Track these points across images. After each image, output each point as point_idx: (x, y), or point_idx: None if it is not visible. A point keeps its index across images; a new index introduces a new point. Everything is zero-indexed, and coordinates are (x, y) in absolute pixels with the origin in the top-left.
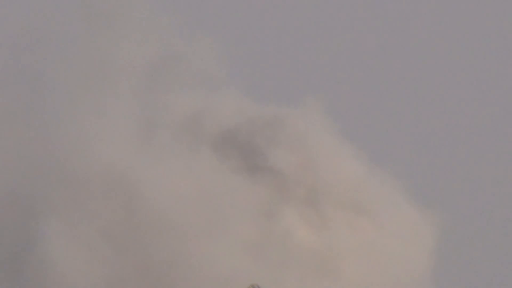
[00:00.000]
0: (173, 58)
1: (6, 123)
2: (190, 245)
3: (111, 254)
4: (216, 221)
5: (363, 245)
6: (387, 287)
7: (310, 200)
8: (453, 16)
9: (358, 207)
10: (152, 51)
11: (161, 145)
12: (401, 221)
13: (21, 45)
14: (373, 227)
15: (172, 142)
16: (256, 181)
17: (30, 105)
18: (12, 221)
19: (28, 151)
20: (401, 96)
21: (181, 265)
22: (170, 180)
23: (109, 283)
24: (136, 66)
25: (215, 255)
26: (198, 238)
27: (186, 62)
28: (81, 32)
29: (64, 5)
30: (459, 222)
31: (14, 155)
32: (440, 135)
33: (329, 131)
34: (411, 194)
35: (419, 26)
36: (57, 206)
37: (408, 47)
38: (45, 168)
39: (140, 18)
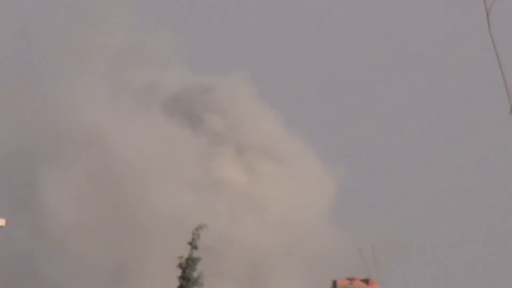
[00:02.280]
0: (135, 44)
1: (14, 96)
2: (149, 186)
3: (92, 194)
4: (166, 166)
5: (280, 188)
6: (298, 222)
7: (238, 151)
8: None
9: (277, 158)
10: (120, 40)
11: (125, 107)
12: (309, 172)
13: (25, 39)
14: (287, 175)
15: (134, 105)
16: (197, 135)
17: (31, 81)
18: (17, 169)
19: (29, 114)
20: (314, 67)
21: (144, 204)
22: (132, 134)
23: (92, 218)
24: (109, 51)
25: (168, 194)
26: (154, 179)
27: (144, 47)
28: (69, 28)
29: (56, 7)
30: (355, 176)
31: (20, 118)
32: (344, 98)
33: (253, 97)
34: (319, 151)
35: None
36: (50, 155)
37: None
38: (41, 126)
39: (111, 16)
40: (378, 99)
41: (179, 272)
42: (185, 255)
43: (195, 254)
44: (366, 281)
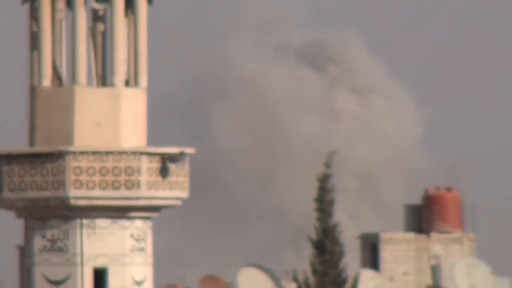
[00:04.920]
0: (271, 12)
1: (196, 54)
2: (288, 116)
3: (248, 124)
4: (300, 101)
5: (385, 119)
6: (398, 145)
7: (352, 90)
8: None
9: (381, 96)
10: (261, 9)
11: (268, 58)
12: (406, 108)
13: (201, 15)
14: (390, 109)
15: (273, 56)
16: (321, 77)
17: (206, 43)
18: (196, 107)
19: (204, 66)
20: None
21: (285, 130)
22: (274, 78)
23: (249, 142)
24: (254, 18)
25: (301, 122)
26: (292, 111)
27: (278, 13)
28: (228, 3)
29: None
30: (441, 114)
31: (198, 69)
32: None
33: (362, 49)
34: (413, 93)
35: None
36: (218, 95)
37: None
38: (212, 74)
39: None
40: (468, 54)
41: (317, 184)
42: (321, 172)
43: (328, 171)
44: (448, 189)
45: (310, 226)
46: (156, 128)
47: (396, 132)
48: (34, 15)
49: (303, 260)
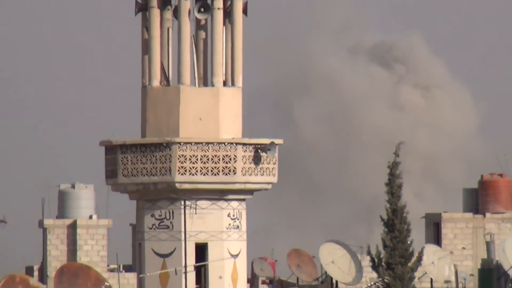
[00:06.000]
0: (345, 16)
1: (279, 53)
2: (361, 109)
3: (327, 116)
4: (372, 95)
5: (445, 111)
6: (457, 135)
7: (416, 85)
8: None
9: (443, 91)
10: (337, 13)
11: (343, 58)
12: (465, 103)
13: (285, 18)
14: (451, 102)
15: (348, 57)
16: (389, 75)
17: (289, 44)
18: (281, 99)
19: (289, 64)
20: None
21: (360, 121)
22: (349, 75)
23: (327, 131)
24: (331, 21)
25: (373, 114)
26: (365, 104)
27: (349, 18)
28: (309, 9)
29: None
30: (496, 110)
31: (284, 67)
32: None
33: (426, 49)
34: (469, 88)
35: None
36: (301, 90)
37: None
38: (296, 71)
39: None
40: None
41: (387, 171)
42: (390, 160)
43: (397, 160)
44: (501, 175)
45: (379, 205)
46: (250, 121)
47: (455, 124)
48: (146, 24)
49: (373, 236)
